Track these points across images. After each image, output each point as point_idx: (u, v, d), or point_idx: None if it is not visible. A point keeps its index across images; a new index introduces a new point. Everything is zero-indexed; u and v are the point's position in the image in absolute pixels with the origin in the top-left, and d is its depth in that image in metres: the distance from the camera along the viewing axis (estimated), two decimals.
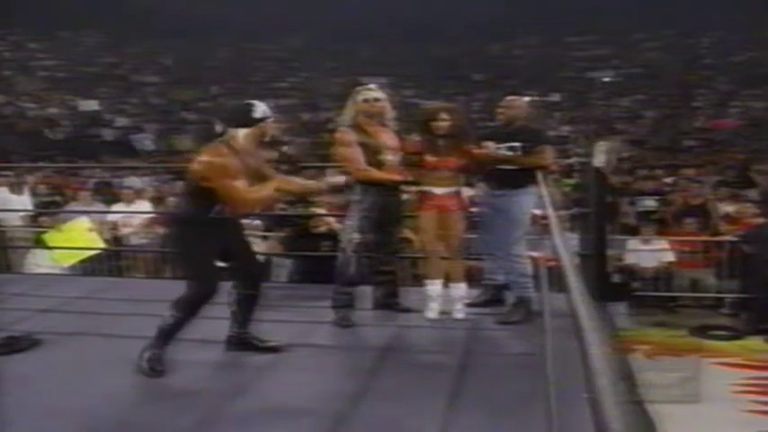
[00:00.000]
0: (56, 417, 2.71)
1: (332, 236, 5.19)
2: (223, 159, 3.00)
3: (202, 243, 3.09)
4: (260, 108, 3.14)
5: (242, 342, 3.37)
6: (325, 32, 30.06)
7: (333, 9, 29.41)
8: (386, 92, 3.89)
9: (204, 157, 3.03)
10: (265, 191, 3.18)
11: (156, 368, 3.07)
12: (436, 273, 3.90)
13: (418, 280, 4.64)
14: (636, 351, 4.61)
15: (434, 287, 3.88)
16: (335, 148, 3.83)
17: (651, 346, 4.79)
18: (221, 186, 3.01)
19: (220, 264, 3.26)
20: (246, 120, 3.11)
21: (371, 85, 3.90)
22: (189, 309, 3.08)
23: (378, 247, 3.86)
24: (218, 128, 3.17)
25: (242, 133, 3.09)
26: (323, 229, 5.30)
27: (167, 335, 3.10)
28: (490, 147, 3.91)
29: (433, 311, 3.87)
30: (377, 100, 3.78)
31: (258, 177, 3.16)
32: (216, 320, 3.29)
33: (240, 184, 3.02)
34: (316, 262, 5.04)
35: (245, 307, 3.33)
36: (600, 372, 1.03)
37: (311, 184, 3.60)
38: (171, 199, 7.75)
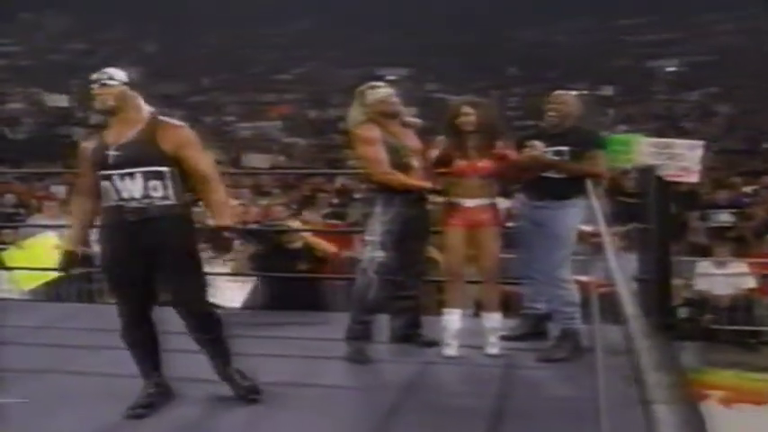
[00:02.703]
0: None
1: (308, 253, 5.21)
2: None
3: (108, 250, 3.19)
4: None
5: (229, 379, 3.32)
6: (334, 15, 30.28)
7: None
8: (396, 88, 3.95)
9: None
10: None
11: (137, 411, 3.15)
12: (456, 300, 3.89)
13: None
14: (708, 397, 4.54)
15: (452, 317, 3.86)
16: (356, 146, 3.86)
17: (727, 392, 4.73)
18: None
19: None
20: None
21: (377, 83, 3.96)
22: (125, 335, 3.22)
23: (400, 269, 3.86)
24: None
25: None
26: (298, 244, 5.31)
27: (139, 367, 3.24)
28: (537, 147, 3.89)
29: (450, 348, 3.84)
30: (391, 96, 3.85)
31: None
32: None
33: None
34: (289, 283, 5.05)
35: (206, 351, 3.24)
36: (666, 424, 1.02)
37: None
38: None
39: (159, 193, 3.08)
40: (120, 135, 3.11)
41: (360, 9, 29.37)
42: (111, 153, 3.06)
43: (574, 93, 4.24)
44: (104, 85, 3.10)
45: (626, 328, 1.46)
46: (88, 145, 3.20)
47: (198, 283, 3.23)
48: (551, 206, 3.91)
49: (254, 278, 5.30)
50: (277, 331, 4.20)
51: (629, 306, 1.50)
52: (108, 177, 3.06)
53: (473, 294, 4.84)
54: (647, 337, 1.33)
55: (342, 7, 29.53)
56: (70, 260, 3.23)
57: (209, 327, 3.19)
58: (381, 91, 3.86)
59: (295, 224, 5.77)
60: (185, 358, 3.28)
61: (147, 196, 3.06)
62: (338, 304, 5.63)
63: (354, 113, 3.90)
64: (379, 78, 4.06)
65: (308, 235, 5.45)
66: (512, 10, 29.36)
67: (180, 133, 3.18)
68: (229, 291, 5.18)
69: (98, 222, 3.24)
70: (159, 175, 3.08)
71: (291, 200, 8.85)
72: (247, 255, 5.61)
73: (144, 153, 3.08)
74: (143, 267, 3.12)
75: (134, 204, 3.06)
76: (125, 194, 3.06)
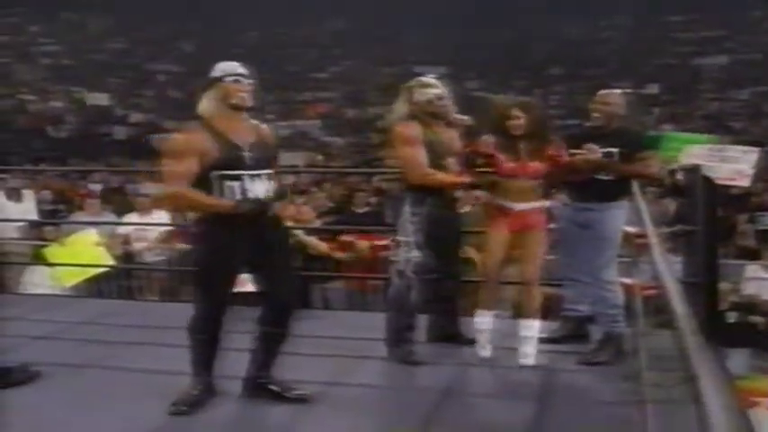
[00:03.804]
0: None
1: (301, 251, 5.27)
2: None
3: (222, 243, 3.13)
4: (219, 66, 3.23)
5: (260, 387, 3.34)
6: (371, 13, 30.33)
7: None
8: (446, 86, 3.89)
9: None
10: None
11: (181, 408, 3.17)
12: (489, 302, 3.89)
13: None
14: (757, 405, 4.46)
15: (484, 319, 3.86)
16: (395, 144, 3.85)
17: None
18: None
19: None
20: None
21: (430, 79, 3.90)
22: (200, 330, 3.20)
23: (435, 269, 3.86)
24: None
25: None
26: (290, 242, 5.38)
27: (195, 364, 3.23)
28: (594, 149, 3.84)
29: (484, 349, 3.85)
30: (440, 98, 3.80)
31: None
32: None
33: None
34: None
35: (268, 346, 3.30)
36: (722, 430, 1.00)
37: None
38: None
39: (271, 194, 3.17)
40: (242, 135, 3.13)
41: (397, 7, 29.36)
42: (246, 154, 3.10)
43: (619, 91, 4.19)
44: (251, 83, 3.18)
45: (676, 331, 1.44)
46: (197, 138, 3.11)
47: (294, 279, 3.38)
48: (598, 208, 3.88)
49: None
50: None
51: (680, 308, 1.48)
52: (238, 177, 3.08)
53: (511, 296, 4.83)
54: (699, 339, 1.32)
55: (379, 5, 29.55)
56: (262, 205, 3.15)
57: (289, 322, 3.28)
58: (431, 91, 3.80)
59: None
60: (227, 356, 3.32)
61: (265, 196, 3.14)
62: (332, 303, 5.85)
63: (399, 108, 3.86)
64: (416, 77, 3.97)
65: (300, 233, 5.49)
66: (555, 6, 29.10)
67: (273, 135, 3.33)
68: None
69: (199, 217, 3.23)
70: (271, 177, 3.20)
71: (329, 198, 8.90)
72: None
73: (269, 155, 3.20)
74: (244, 265, 3.23)
75: (250, 204, 3.10)
76: (250, 194, 3.10)
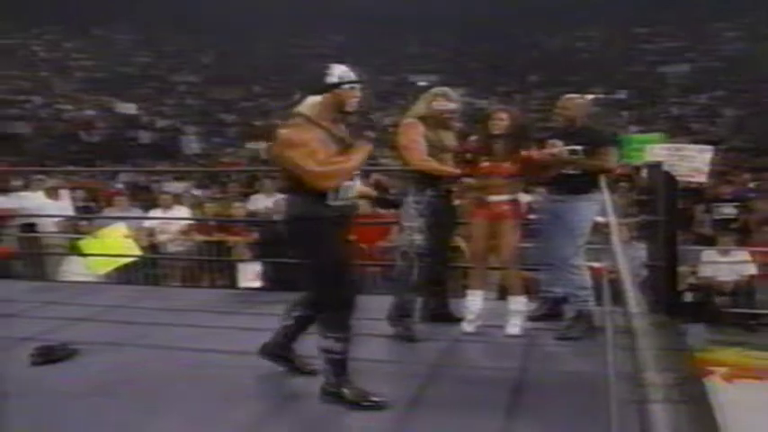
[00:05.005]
0: (94, 430, 2.82)
1: None
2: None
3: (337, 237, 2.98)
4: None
5: (279, 356, 3.31)
6: (370, 27, 30.27)
7: (378, 2, 29.57)
8: (460, 101, 3.99)
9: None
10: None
11: (368, 402, 2.97)
12: (478, 284, 3.96)
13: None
14: (712, 374, 4.50)
15: (474, 299, 3.94)
16: (399, 138, 3.91)
17: (729, 369, 4.68)
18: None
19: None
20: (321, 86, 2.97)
21: (452, 94, 3.98)
22: (341, 327, 2.99)
23: (431, 254, 3.91)
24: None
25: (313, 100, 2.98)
26: None
27: (337, 363, 3.00)
28: (557, 145, 3.91)
29: (469, 325, 3.92)
30: (452, 112, 3.92)
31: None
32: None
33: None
34: (287, 268, 5.08)
35: (300, 328, 3.24)
36: (654, 391, 1.05)
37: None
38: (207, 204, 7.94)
39: (355, 194, 3.08)
40: (344, 135, 2.98)
41: (392, 21, 29.32)
42: None
43: (589, 96, 4.24)
44: (360, 88, 2.99)
45: (624, 309, 1.49)
46: (316, 131, 2.87)
47: None
48: (569, 200, 3.93)
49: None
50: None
51: (628, 288, 1.53)
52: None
53: (495, 280, 4.87)
54: (642, 316, 1.36)
55: (378, 19, 29.51)
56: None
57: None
58: (448, 105, 3.89)
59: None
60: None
61: (353, 196, 3.06)
62: None
63: (416, 109, 3.95)
64: (412, 84, 4.06)
65: None
66: (535, 20, 29.08)
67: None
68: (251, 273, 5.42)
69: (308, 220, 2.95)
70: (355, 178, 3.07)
71: None
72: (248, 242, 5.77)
73: None
74: None
75: (349, 203, 3.01)
76: (349, 194, 2.99)
